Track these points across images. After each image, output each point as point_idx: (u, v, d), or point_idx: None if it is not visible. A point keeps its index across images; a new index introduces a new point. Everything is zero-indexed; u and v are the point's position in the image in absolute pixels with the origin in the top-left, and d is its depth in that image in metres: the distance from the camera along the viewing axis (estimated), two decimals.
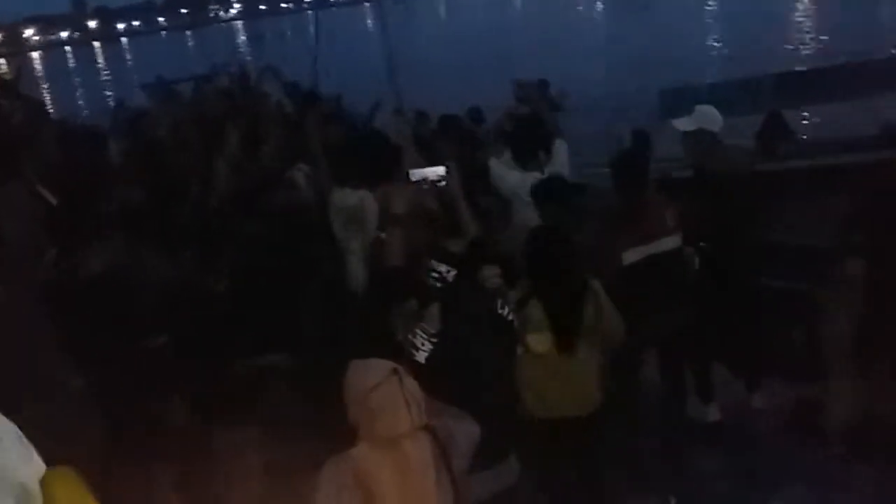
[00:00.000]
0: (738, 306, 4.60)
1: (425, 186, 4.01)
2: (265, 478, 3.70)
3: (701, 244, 4.37)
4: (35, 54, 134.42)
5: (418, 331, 3.11)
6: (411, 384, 2.28)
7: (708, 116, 4.60)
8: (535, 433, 3.49)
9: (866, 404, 4.27)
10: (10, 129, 6.58)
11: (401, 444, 2.26)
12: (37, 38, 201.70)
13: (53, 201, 4.45)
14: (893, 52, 18.07)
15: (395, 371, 2.26)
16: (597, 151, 6.00)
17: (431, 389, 2.49)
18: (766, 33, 30.97)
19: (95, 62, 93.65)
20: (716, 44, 33.95)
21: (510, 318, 3.30)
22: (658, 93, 11.31)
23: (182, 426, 3.83)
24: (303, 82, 9.39)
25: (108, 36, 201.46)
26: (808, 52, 27.81)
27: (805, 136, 10.51)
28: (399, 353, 3.11)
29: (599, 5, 71.68)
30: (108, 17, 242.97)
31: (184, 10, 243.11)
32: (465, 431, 2.45)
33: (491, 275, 3.36)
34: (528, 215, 4.28)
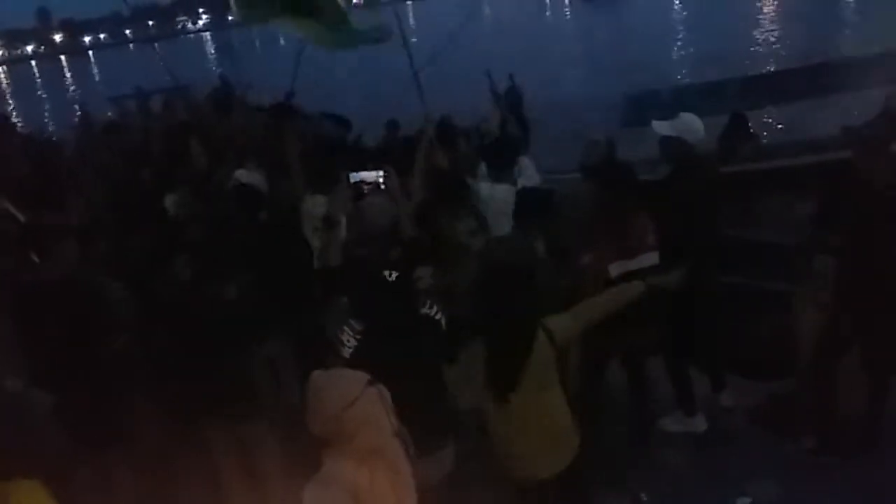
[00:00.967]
0: (705, 305, 4.63)
1: (365, 189, 4.15)
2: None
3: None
4: (0, 69, 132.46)
5: (346, 328, 3.16)
6: (385, 392, 2.28)
7: (689, 126, 4.62)
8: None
9: (835, 400, 4.33)
10: None
11: (384, 453, 2.25)
12: (1, 52, 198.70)
13: (21, 217, 4.42)
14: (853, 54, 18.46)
15: (370, 382, 2.25)
16: (563, 157, 6.08)
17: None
18: (732, 37, 31.39)
19: (63, 75, 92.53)
20: (680, 47, 34.35)
21: (437, 317, 3.31)
22: (622, 97, 11.43)
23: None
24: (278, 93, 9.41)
25: (74, 49, 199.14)
26: (772, 54, 28.24)
27: (767, 138, 10.70)
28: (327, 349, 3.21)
29: (567, 12, 72.25)
30: (73, 30, 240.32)
31: (151, 22, 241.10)
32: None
33: (423, 275, 3.46)
34: (503, 226, 4.37)
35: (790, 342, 4.85)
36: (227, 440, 3.92)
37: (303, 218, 4.88)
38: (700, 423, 4.75)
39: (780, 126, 12.54)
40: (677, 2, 57.17)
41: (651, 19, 45.82)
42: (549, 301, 3.46)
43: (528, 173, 4.94)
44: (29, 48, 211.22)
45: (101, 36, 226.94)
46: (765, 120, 12.17)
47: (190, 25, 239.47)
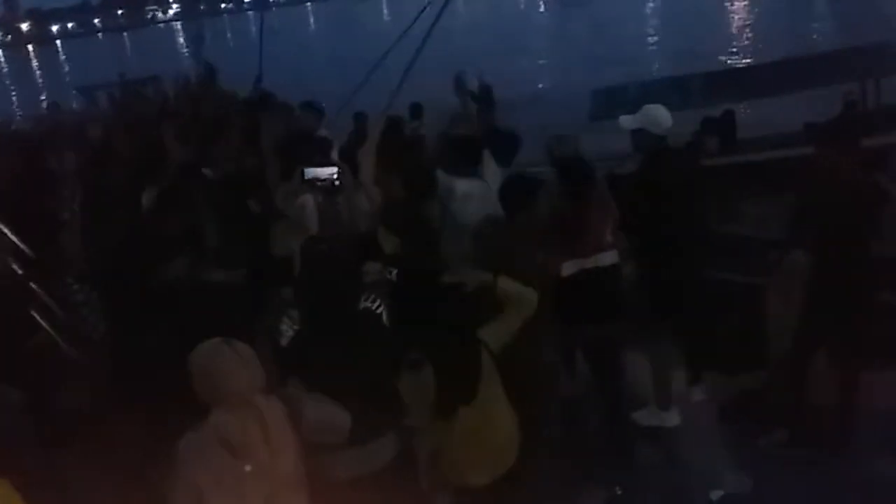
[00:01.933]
0: (678, 299, 4.65)
1: (319, 185, 4.21)
2: None
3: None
4: None
5: (285, 317, 3.24)
6: (243, 349, 2.53)
7: (652, 118, 4.60)
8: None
9: (806, 394, 4.38)
10: None
11: (254, 402, 2.52)
12: None
13: None
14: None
15: (224, 341, 2.51)
16: (532, 149, 6.13)
17: (298, 372, 2.93)
18: (702, 31, 31.73)
19: (29, 65, 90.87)
20: (652, 41, 34.64)
21: (378, 310, 3.35)
22: (590, 92, 11.49)
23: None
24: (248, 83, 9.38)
25: (41, 38, 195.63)
26: (743, 49, 28.60)
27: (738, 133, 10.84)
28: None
29: (541, 5, 72.37)
30: (41, 19, 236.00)
31: (120, 11, 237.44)
32: (318, 410, 2.71)
33: (372, 270, 3.54)
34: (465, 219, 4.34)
35: (762, 336, 4.92)
36: None
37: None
38: (674, 418, 4.78)
39: (747, 121, 12.72)
40: None
41: (624, 13, 46.08)
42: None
43: (491, 170, 4.91)
44: None
45: (69, 25, 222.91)
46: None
47: (160, 15, 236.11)
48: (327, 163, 4.62)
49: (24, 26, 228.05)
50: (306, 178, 4.38)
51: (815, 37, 26.13)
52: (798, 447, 4.33)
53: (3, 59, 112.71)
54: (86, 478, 3.87)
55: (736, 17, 39.92)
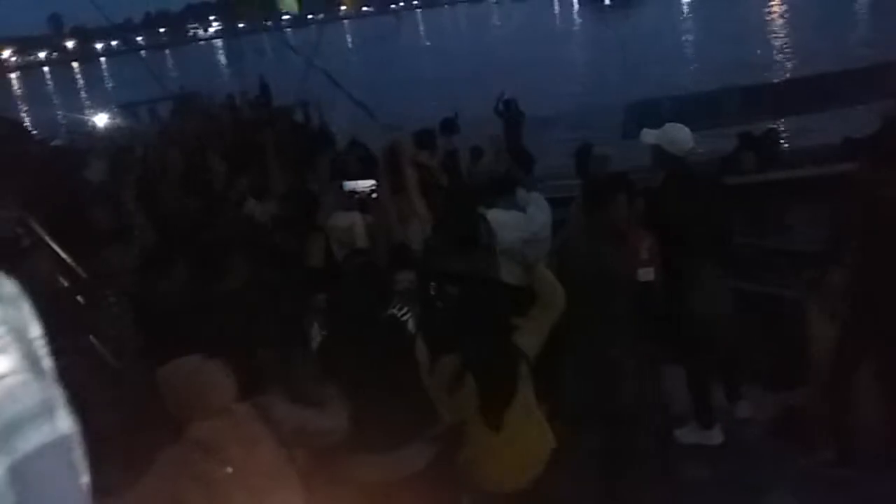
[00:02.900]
0: (717, 315, 4.58)
1: (356, 197, 4.36)
2: None
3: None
4: (13, 76, 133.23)
5: (315, 322, 3.32)
6: (214, 370, 2.62)
7: (670, 137, 4.58)
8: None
9: (852, 412, 4.30)
10: None
11: (231, 413, 2.61)
12: (13, 59, 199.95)
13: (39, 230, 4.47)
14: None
15: (202, 358, 2.62)
16: (566, 163, 6.18)
17: (325, 375, 3.02)
18: (737, 47, 31.39)
19: (74, 82, 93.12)
20: (688, 56, 34.40)
21: (404, 318, 3.48)
22: (624, 107, 11.44)
23: None
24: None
25: (86, 55, 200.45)
26: (777, 64, 28.29)
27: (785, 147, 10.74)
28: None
29: (577, 19, 72.34)
30: (85, 37, 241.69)
31: (162, 29, 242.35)
32: (292, 416, 2.77)
33: (403, 279, 3.63)
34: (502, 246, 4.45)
35: (806, 352, 4.83)
36: None
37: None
38: (716, 436, 4.73)
39: (785, 136, 12.59)
40: (686, 10, 57.25)
41: (660, 28, 45.87)
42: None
43: (537, 203, 4.97)
44: (41, 54, 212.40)
45: (113, 43, 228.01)
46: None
47: (201, 32, 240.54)
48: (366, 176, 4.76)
49: (69, 44, 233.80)
50: (345, 188, 4.53)
51: (858, 51, 25.75)
52: (843, 467, 4.24)
53: (49, 76, 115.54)
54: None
55: (776, 30, 39.52)
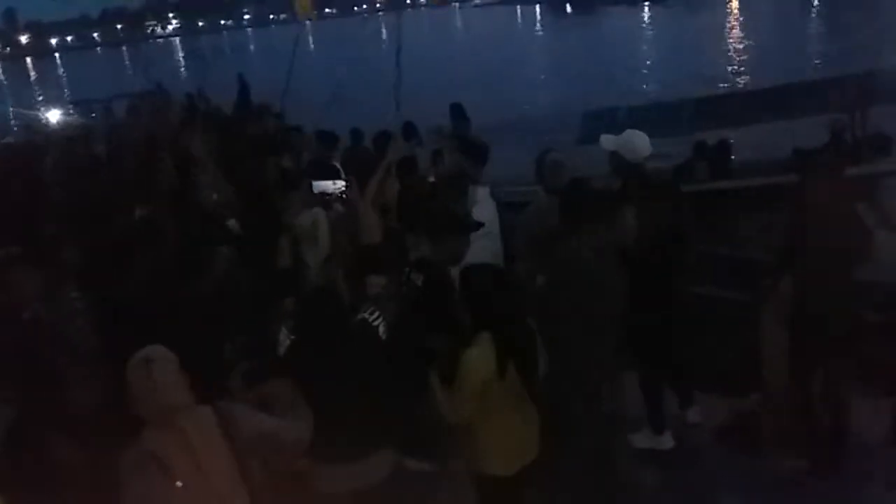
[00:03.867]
0: (669, 320, 4.63)
1: (327, 198, 4.31)
2: None
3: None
4: None
5: (283, 327, 3.29)
6: (163, 366, 2.55)
7: (628, 144, 4.64)
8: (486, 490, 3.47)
9: (800, 419, 4.40)
10: None
11: (175, 421, 2.54)
12: None
13: None
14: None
15: (146, 361, 2.55)
16: (523, 171, 6.21)
17: (292, 381, 2.94)
18: (694, 58, 31.97)
19: (28, 77, 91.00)
20: (646, 66, 34.89)
21: (375, 323, 3.43)
22: (581, 115, 11.61)
23: None
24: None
25: (40, 51, 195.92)
26: (732, 76, 28.85)
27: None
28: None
29: (538, 28, 72.96)
30: (40, 32, 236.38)
31: (119, 26, 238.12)
32: (256, 424, 2.70)
33: (375, 283, 3.58)
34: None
35: (756, 359, 4.91)
36: None
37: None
38: (667, 441, 4.80)
39: (738, 147, 12.85)
40: (647, 21, 58.13)
41: (621, 38, 46.52)
42: None
43: (482, 202, 4.98)
44: None
45: (69, 38, 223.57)
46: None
47: (159, 30, 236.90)
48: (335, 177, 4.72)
49: (24, 38, 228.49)
50: (315, 191, 4.48)
51: (812, 64, 26.38)
52: (795, 472, 4.33)
53: (1, 71, 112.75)
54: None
55: (733, 43, 40.31)
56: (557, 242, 4.04)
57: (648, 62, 36.48)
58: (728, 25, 47.40)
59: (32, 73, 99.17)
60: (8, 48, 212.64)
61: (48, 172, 7.45)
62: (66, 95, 34.55)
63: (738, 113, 12.10)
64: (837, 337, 4.13)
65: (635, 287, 4.39)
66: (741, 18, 49.60)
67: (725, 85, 24.95)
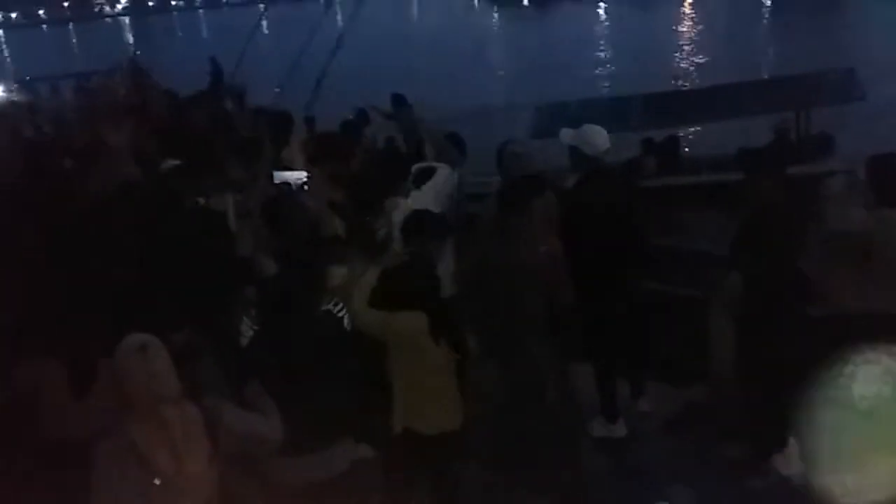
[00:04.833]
0: (622, 311, 4.76)
1: (286, 188, 4.30)
2: None
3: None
4: None
5: (245, 318, 3.26)
6: (155, 355, 2.47)
7: (587, 137, 4.74)
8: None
9: (750, 405, 4.51)
10: None
11: (161, 412, 2.47)
12: None
13: None
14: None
15: (142, 347, 2.45)
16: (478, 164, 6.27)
17: (255, 373, 2.92)
18: (649, 54, 32.39)
19: None
20: (601, 61, 35.29)
21: (339, 314, 3.49)
22: (533, 108, 11.69)
23: None
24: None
25: None
26: (683, 73, 29.37)
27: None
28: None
29: (495, 18, 73.02)
30: None
31: (66, 3, 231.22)
32: (240, 420, 2.72)
33: (336, 274, 3.65)
34: None
35: (705, 350, 5.06)
36: None
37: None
38: (620, 429, 4.94)
39: (686, 144, 13.09)
40: (603, 16, 58.67)
41: (575, 32, 46.85)
42: None
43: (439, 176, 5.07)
44: None
45: (13, 15, 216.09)
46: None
47: (108, 9, 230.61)
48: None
49: None
50: (276, 181, 4.44)
51: (760, 64, 26.97)
52: (743, 458, 4.46)
53: None
54: None
55: (684, 41, 40.95)
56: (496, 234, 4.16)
57: (601, 57, 36.87)
58: (680, 23, 48.11)
59: None
60: None
61: None
62: (11, 74, 33.47)
63: (687, 110, 12.31)
64: (783, 330, 4.23)
65: (589, 279, 4.52)
66: (695, 16, 50.32)
67: (675, 82, 25.36)
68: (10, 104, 11.98)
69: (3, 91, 16.05)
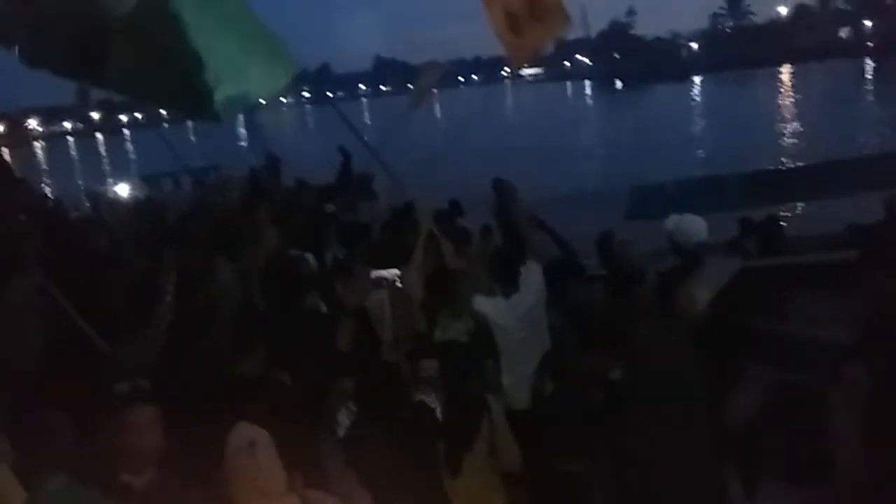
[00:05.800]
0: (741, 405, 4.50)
1: (383, 285, 4.49)
2: None
3: None
4: (37, 144, 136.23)
5: (343, 408, 3.38)
6: (265, 457, 2.47)
7: (684, 229, 4.84)
8: None
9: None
10: (13, 224, 6.68)
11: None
12: (40, 128, 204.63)
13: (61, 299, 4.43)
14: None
15: (251, 444, 2.47)
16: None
17: (351, 461, 2.99)
18: (745, 134, 31.79)
19: (98, 152, 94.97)
20: (697, 141, 34.87)
21: (433, 406, 3.54)
22: (628, 189, 11.63)
23: None
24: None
25: (110, 127, 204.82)
26: (784, 150, 28.67)
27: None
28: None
29: (589, 101, 73.77)
30: (111, 109, 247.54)
31: None
32: None
33: (428, 366, 3.69)
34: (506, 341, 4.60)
35: (827, 447, 4.64)
36: None
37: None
38: None
39: (790, 222, 12.68)
40: (696, 97, 58.36)
41: (670, 112, 46.65)
42: None
43: (532, 282, 4.97)
44: (67, 125, 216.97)
45: (137, 115, 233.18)
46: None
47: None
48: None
49: (95, 115, 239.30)
50: (373, 277, 4.67)
51: (864, 141, 26.04)
52: None
53: (73, 147, 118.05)
54: None
55: (784, 115, 40.12)
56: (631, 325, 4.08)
57: (698, 136, 36.50)
58: (780, 100, 47.25)
59: (103, 149, 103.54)
60: (80, 124, 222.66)
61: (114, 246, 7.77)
62: (134, 170, 36.01)
63: (789, 188, 11.95)
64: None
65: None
66: (793, 90, 49.44)
67: (776, 159, 24.75)
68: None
69: (129, 188, 17.31)
